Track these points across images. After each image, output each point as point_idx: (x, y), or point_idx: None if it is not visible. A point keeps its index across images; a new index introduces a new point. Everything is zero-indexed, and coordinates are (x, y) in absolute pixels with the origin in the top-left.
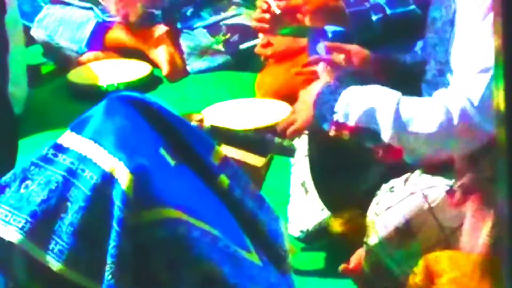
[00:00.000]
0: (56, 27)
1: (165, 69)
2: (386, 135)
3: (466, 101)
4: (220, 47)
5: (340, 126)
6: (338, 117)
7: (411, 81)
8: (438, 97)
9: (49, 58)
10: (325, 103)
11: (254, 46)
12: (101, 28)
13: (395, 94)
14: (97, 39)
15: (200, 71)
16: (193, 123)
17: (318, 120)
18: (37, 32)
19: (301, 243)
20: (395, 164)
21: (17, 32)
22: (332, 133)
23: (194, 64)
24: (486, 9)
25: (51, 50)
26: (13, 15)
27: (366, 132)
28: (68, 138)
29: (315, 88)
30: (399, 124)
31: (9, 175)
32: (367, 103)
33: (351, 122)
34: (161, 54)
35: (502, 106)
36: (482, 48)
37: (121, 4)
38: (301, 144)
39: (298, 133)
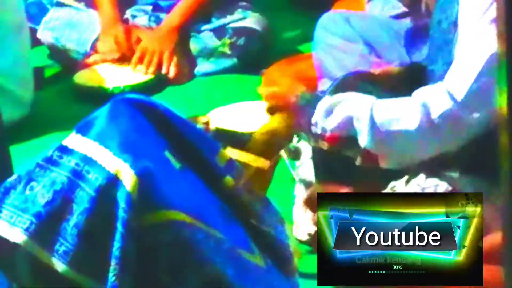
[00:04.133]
0: (62, 29)
1: (171, 72)
2: (364, 140)
3: (445, 94)
4: (227, 50)
5: (317, 137)
6: (315, 129)
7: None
8: (416, 94)
9: (55, 60)
10: (305, 115)
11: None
12: None
13: (369, 99)
14: None
15: (206, 73)
16: (199, 125)
17: (302, 130)
18: (43, 34)
19: (308, 246)
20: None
21: (23, 35)
22: (312, 144)
23: (200, 67)
24: (483, 9)
25: (57, 52)
26: (19, 17)
27: (344, 140)
28: (73, 139)
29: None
30: (375, 127)
31: (14, 177)
32: (342, 112)
33: (328, 133)
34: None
35: (504, 110)
36: (472, 46)
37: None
38: (307, 146)
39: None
